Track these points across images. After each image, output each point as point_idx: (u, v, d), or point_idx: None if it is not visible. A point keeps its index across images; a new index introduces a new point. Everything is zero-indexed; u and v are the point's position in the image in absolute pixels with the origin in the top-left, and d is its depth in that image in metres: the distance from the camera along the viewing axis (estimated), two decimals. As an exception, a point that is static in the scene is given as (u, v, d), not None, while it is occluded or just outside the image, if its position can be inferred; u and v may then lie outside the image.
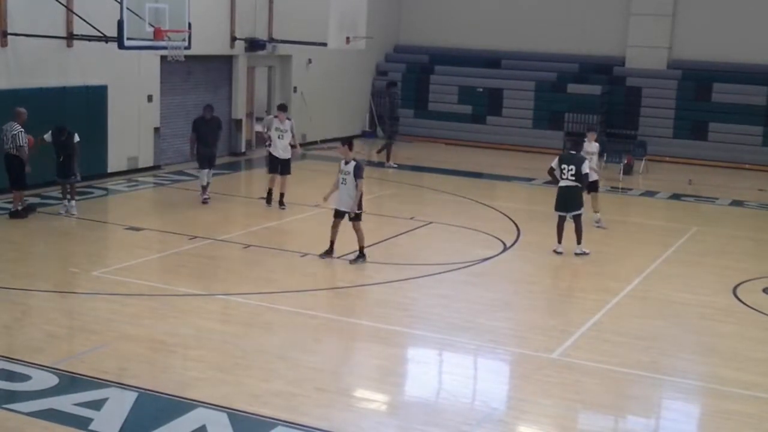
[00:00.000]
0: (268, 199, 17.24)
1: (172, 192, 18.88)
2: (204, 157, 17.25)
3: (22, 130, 15.23)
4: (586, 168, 14.55)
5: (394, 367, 9.92)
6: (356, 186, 13.26)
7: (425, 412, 8.69)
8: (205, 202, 17.24)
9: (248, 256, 13.96)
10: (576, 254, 14.50)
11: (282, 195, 17.13)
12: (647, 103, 26.72)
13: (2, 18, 16.80)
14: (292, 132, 17.31)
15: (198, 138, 17.27)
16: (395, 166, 22.92)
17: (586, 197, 16.20)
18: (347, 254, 13.72)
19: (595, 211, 16.51)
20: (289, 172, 17.23)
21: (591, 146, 16.70)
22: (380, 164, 22.87)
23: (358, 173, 13.25)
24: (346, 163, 13.38)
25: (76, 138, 15.86)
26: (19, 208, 15.51)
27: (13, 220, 15.26)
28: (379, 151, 23.76)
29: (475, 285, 12.91)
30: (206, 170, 17.32)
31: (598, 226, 16.33)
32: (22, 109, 15.42)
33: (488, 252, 14.63)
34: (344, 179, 13.37)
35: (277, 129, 17.13)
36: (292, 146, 17.34)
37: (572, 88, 26.88)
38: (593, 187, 16.36)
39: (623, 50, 27.49)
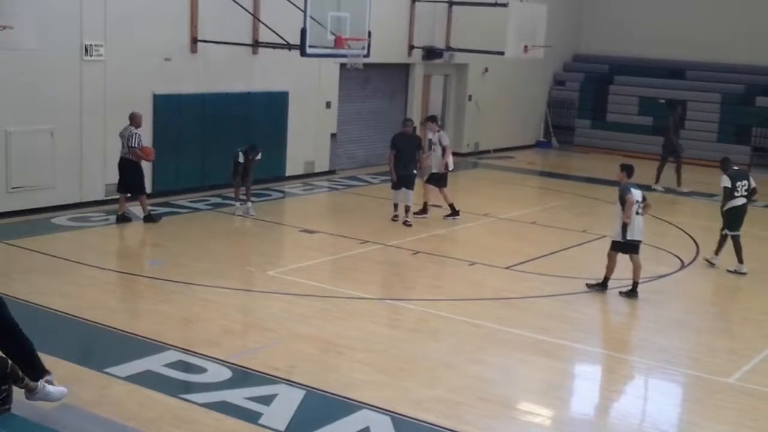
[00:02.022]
0: (423, 209, 16.84)
1: (345, 197, 19.28)
2: (401, 177, 16.21)
3: (138, 132, 15.13)
4: (753, 182, 14.22)
5: (560, 381, 9.72)
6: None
7: (591, 429, 8.48)
8: (406, 224, 16.14)
9: (416, 262, 14.05)
10: (729, 271, 13.93)
11: (451, 206, 16.77)
12: None
13: (194, 26, 17.69)
14: (441, 145, 16.61)
15: (397, 157, 16.28)
16: (686, 191, 21.42)
17: None
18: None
19: None
20: (439, 185, 16.72)
21: None
22: (672, 190, 21.45)
23: (620, 196, 12.60)
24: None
25: (259, 156, 16.31)
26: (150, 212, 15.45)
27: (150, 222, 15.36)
28: (679, 182, 21.78)
29: (650, 302, 12.46)
30: (403, 190, 16.21)
31: None
32: (138, 113, 15.29)
33: (665, 269, 14.11)
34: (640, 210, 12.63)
35: (430, 140, 16.89)
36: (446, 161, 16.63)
37: (761, 101, 25.58)
38: None
39: (818, 61, 25.94)
